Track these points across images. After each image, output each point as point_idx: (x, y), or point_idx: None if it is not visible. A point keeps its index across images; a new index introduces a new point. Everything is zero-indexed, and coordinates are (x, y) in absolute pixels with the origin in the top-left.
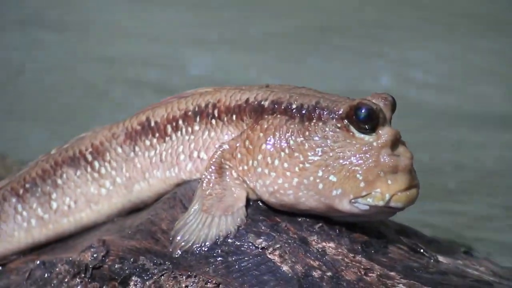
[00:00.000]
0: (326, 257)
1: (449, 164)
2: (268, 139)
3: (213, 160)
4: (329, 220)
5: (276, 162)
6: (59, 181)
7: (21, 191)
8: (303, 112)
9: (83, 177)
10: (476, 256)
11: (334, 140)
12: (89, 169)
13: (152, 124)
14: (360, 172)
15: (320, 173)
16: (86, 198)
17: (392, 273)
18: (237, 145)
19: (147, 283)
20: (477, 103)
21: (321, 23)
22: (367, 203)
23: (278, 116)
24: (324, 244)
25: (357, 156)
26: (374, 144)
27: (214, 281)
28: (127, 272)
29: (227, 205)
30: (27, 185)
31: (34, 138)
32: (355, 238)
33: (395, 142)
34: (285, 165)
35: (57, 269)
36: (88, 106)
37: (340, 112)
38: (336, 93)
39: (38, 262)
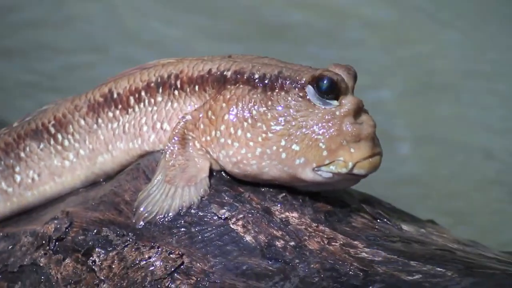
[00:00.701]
0: (289, 226)
1: None
2: (231, 109)
3: (176, 131)
4: (293, 190)
5: (239, 132)
6: (22, 154)
7: None
8: (266, 82)
9: (46, 149)
10: (440, 225)
11: (297, 110)
12: (52, 141)
13: (115, 95)
14: (322, 140)
15: (283, 143)
16: (49, 170)
17: (355, 242)
18: (200, 115)
19: (110, 254)
20: None
21: None
22: (330, 170)
23: (241, 86)
24: (287, 214)
25: (320, 125)
26: (337, 113)
27: (177, 252)
28: (90, 243)
29: (190, 176)
30: None
31: None
32: (318, 207)
33: (358, 111)
34: (248, 135)
35: (20, 241)
36: None
37: (303, 81)
38: None
39: (1, 234)
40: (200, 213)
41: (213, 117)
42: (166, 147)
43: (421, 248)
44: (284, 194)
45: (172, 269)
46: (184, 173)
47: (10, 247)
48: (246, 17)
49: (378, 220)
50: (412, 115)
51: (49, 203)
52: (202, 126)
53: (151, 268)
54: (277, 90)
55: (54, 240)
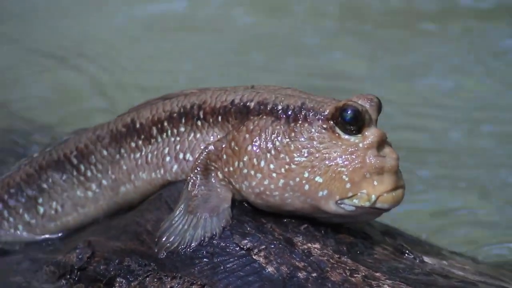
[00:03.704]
0: (311, 258)
1: None
2: (254, 140)
3: (199, 161)
4: (315, 221)
5: (262, 163)
6: (45, 186)
7: (5, 197)
8: (289, 113)
9: (69, 180)
10: (461, 254)
11: (320, 141)
12: (75, 172)
13: (137, 126)
14: (346, 173)
15: (306, 174)
16: (72, 201)
17: (377, 274)
18: (223, 146)
19: (132, 284)
20: None
21: None
22: (353, 204)
23: (264, 117)
24: (309, 245)
25: (343, 157)
26: (360, 145)
27: (199, 282)
28: (112, 273)
29: (212, 206)
30: (12, 190)
31: None
32: (340, 239)
33: (381, 143)
34: (271, 166)
35: (42, 270)
36: None
37: (326, 113)
38: None
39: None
40: (222, 244)
41: (236, 148)
42: (189, 178)
43: (443, 281)
44: (306, 225)
45: None
46: (206, 204)
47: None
48: None
49: (400, 252)
50: None
51: (70, 233)
52: (225, 157)
53: None
54: (300, 122)
55: (76, 270)
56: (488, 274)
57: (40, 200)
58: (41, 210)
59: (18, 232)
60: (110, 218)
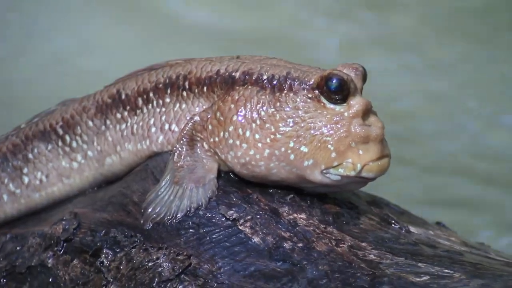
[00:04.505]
0: (297, 228)
1: None
2: (239, 110)
3: (184, 132)
4: (301, 191)
5: (248, 133)
6: (30, 156)
7: None
8: (274, 82)
9: (54, 151)
10: (448, 227)
11: (305, 111)
12: (60, 143)
13: (123, 97)
14: (331, 142)
15: (291, 144)
16: (57, 172)
17: (363, 244)
18: (208, 116)
19: (118, 255)
20: None
21: None
22: (338, 173)
23: (249, 87)
24: (295, 215)
25: (328, 126)
26: (345, 114)
27: (185, 253)
28: (98, 244)
29: (198, 177)
30: None
31: None
32: (326, 209)
33: (366, 112)
34: (257, 136)
35: (28, 242)
36: None
37: (311, 82)
38: None
39: (9, 235)
40: (208, 214)
41: (221, 118)
42: (175, 148)
43: (429, 250)
44: (292, 195)
45: (180, 270)
46: (192, 174)
47: (18, 248)
48: None
49: (386, 222)
50: None
51: (57, 204)
52: (210, 127)
53: (159, 269)
54: (285, 91)
55: (62, 241)
56: (473, 246)
57: (25, 170)
58: (26, 180)
59: (3, 202)
60: (96, 189)
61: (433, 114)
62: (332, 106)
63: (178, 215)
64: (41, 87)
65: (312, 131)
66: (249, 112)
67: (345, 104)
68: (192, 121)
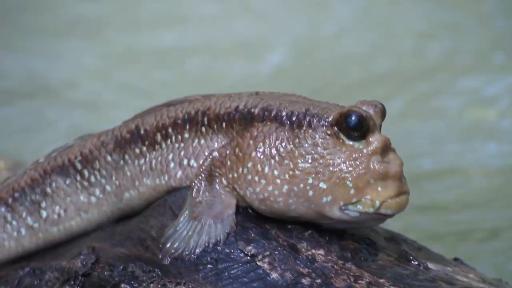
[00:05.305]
0: (315, 264)
1: None
2: (258, 146)
3: (203, 167)
4: (319, 227)
5: (266, 169)
6: (48, 190)
7: (10, 201)
8: (293, 119)
9: (73, 185)
10: (466, 264)
11: (324, 147)
12: (78, 177)
13: (142, 132)
14: (350, 179)
15: (310, 180)
16: (76, 206)
17: (382, 280)
18: (227, 152)
19: None
20: None
21: None
22: (357, 210)
23: (268, 123)
24: (313, 251)
25: (347, 163)
26: (364, 151)
27: None
28: (116, 279)
29: (217, 213)
30: (16, 194)
31: None
32: (345, 245)
33: (385, 149)
34: (275, 172)
35: (46, 276)
36: None
37: (330, 119)
38: None
39: (27, 269)
40: (227, 250)
41: (240, 154)
42: (193, 184)
43: (448, 287)
44: (310, 231)
45: None
46: (210, 210)
47: (35, 282)
48: None
49: (404, 259)
50: None
51: (75, 239)
52: (229, 163)
53: None
54: (304, 128)
55: (80, 276)
56: (491, 282)
57: (44, 204)
58: (44, 214)
59: (21, 236)
60: (114, 224)
61: None
62: (351, 142)
63: (196, 251)
64: None
65: (331, 168)
66: (268, 148)
67: (364, 140)
68: (210, 156)
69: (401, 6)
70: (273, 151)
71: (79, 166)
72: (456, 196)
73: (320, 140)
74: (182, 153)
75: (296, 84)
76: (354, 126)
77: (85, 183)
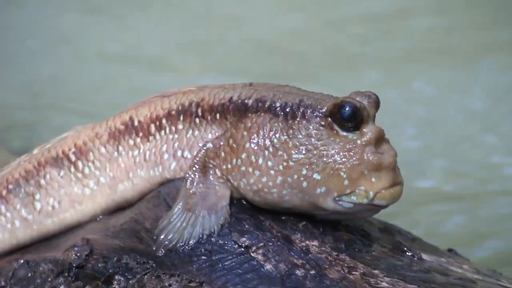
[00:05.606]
0: (309, 255)
1: None
2: (252, 137)
3: (197, 159)
4: (313, 218)
5: (260, 160)
6: (43, 182)
7: (4, 192)
8: (287, 110)
9: (67, 177)
10: (460, 254)
11: (318, 138)
12: (72, 169)
13: (136, 123)
14: (344, 170)
15: (304, 171)
16: (70, 198)
17: (376, 271)
18: (221, 143)
19: (130, 282)
20: None
21: None
22: (351, 200)
23: (262, 114)
24: (307, 242)
25: (341, 154)
26: (358, 142)
27: (197, 280)
28: (110, 271)
29: (211, 204)
30: (10, 186)
31: None
32: (339, 236)
33: (379, 140)
34: (269, 163)
35: (40, 268)
36: None
37: (324, 110)
38: None
39: (21, 261)
40: (221, 241)
41: (234, 145)
42: (187, 175)
43: (441, 278)
44: (304, 222)
45: None
46: (204, 201)
47: (30, 274)
48: None
49: (398, 249)
50: None
51: (69, 231)
52: (223, 154)
53: None
54: (298, 119)
55: (74, 268)
56: (485, 273)
57: (38, 196)
58: (38, 206)
59: (15, 228)
60: (108, 216)
61: None
62: (345, 133)
63: (190, 242)
64: None
65: (324, 159)
66: (262, 140)
67: (358, 131)
68: (204, 148)
69: None
70: (267, 142)
71: (73, 157)
72: None
73: (314, 131)
74: (176, 144)
75: None
76: (348, 117)
77: (79, 175)
